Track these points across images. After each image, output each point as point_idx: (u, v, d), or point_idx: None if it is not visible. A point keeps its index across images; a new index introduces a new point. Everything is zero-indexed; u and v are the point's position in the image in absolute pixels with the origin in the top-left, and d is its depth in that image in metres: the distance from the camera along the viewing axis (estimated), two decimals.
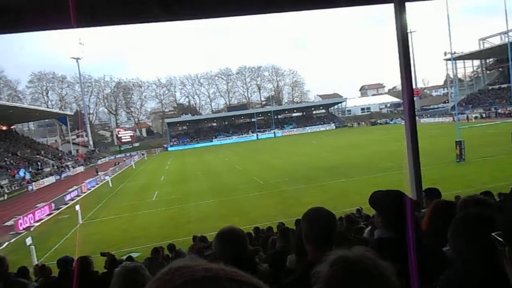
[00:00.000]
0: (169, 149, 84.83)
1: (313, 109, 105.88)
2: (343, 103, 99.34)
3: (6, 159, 49.82)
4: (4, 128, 63.46)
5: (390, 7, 4.32)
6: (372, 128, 79.10)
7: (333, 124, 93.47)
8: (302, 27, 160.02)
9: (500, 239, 1.11)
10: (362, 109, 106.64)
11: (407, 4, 4.34)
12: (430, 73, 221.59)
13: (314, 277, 1.07)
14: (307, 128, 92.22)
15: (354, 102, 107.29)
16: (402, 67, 4.20)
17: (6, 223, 23.13)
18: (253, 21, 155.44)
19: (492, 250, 1.38)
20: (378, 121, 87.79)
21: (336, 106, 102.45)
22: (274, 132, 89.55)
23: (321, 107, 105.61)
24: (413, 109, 4.54)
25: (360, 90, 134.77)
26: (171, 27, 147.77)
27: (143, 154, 77.27)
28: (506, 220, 1.13)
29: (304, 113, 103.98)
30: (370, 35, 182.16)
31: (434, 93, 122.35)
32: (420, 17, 75.56)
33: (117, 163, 56.87)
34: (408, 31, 4.49)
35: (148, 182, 35.56)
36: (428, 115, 77.48)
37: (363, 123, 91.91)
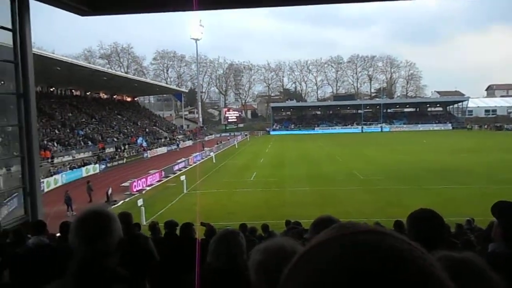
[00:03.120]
0: (271, 132, 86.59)
1: (428, 105, 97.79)
2: (464, 102, 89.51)
3: (128, 127, 56.09)
4: (129, 99, 71.32)
5: None
6: (496, 133, 70.18)
7: (449, 124, 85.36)
8: (426, 16, 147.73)
9: None
10: (487, 110, 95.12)
11: None
12: None
13: None
14: (419, 125, 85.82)
15: (478, 102, 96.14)
16: None
17: (123, 184, 26.06)
18: (369, 7, 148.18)
19: None
20: (505, 126, 77.43)
21: (455, 105, 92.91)
22: (381, 127, 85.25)
23: (438, 105, 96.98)
24: None
25: (487, 89, 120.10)
26: (285, 12, 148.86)
27: (246, 135, 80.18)
28: None
29: (418, 109, 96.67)
30: (505, 29, 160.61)
31: None
32: None
33: (221, 141, 59.98)
34: None
35: (248, 163, 36.78)
36: None
37: (485, 126, 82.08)
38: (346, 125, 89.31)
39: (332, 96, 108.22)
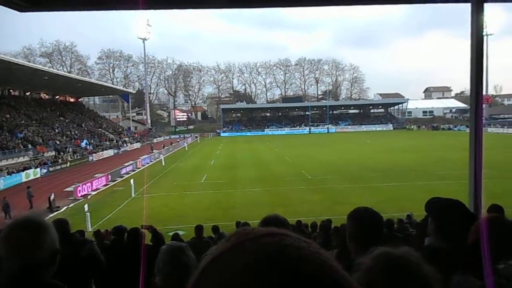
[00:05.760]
0: (222, 134, 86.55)
1: (371, 107, 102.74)
2: (404, 104, 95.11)
3: (71, 129, 53.50)
4: (72, 100, 68.13)
5: (466, 7, 4.00)
6: (433, 133, 75.20)
7: (391, 125, 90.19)
8: (368, 22, 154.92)
9: None
10: (424, 112, 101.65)
11: (486, 5, 3.99)
12: (504, 80, 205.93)
13: (355, 267, 1.05)
14: (363, 126, 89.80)
15: (416, 103, 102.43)
16: (473, 71, 3.88)
17: (67, 189, 24.90)
18: (316, 13, 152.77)
19: None
20: (441, 126, 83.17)
21: (396, 107, 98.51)
22: (327, 128, 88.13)
23: (380, 106, 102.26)
24: (481, 117, 4.21)
25: (425, 92, 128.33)
26: (235, 14, 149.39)
27: (196, 137, 79.43)
28: None
29: (361, 111, 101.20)
30: (440, 34, 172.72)
31: (506, 102, 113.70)
32: (499, 20, 70.17)
33: (170, 144, 58.95)
34: (485, 33, 4.13)
35: (198, 165, 36.54)
36: (497, 125, 72.27)
37: (423, 126, 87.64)
38: (294, 127, 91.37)
39: (281, 98, 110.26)
